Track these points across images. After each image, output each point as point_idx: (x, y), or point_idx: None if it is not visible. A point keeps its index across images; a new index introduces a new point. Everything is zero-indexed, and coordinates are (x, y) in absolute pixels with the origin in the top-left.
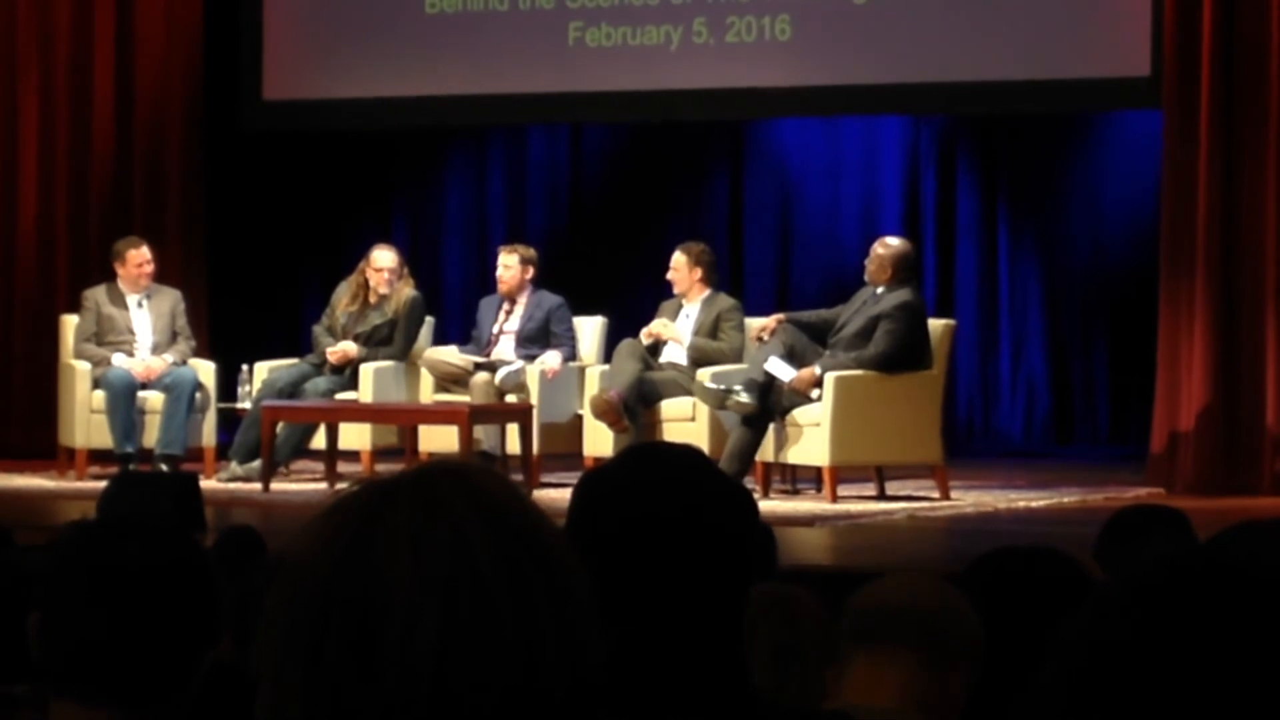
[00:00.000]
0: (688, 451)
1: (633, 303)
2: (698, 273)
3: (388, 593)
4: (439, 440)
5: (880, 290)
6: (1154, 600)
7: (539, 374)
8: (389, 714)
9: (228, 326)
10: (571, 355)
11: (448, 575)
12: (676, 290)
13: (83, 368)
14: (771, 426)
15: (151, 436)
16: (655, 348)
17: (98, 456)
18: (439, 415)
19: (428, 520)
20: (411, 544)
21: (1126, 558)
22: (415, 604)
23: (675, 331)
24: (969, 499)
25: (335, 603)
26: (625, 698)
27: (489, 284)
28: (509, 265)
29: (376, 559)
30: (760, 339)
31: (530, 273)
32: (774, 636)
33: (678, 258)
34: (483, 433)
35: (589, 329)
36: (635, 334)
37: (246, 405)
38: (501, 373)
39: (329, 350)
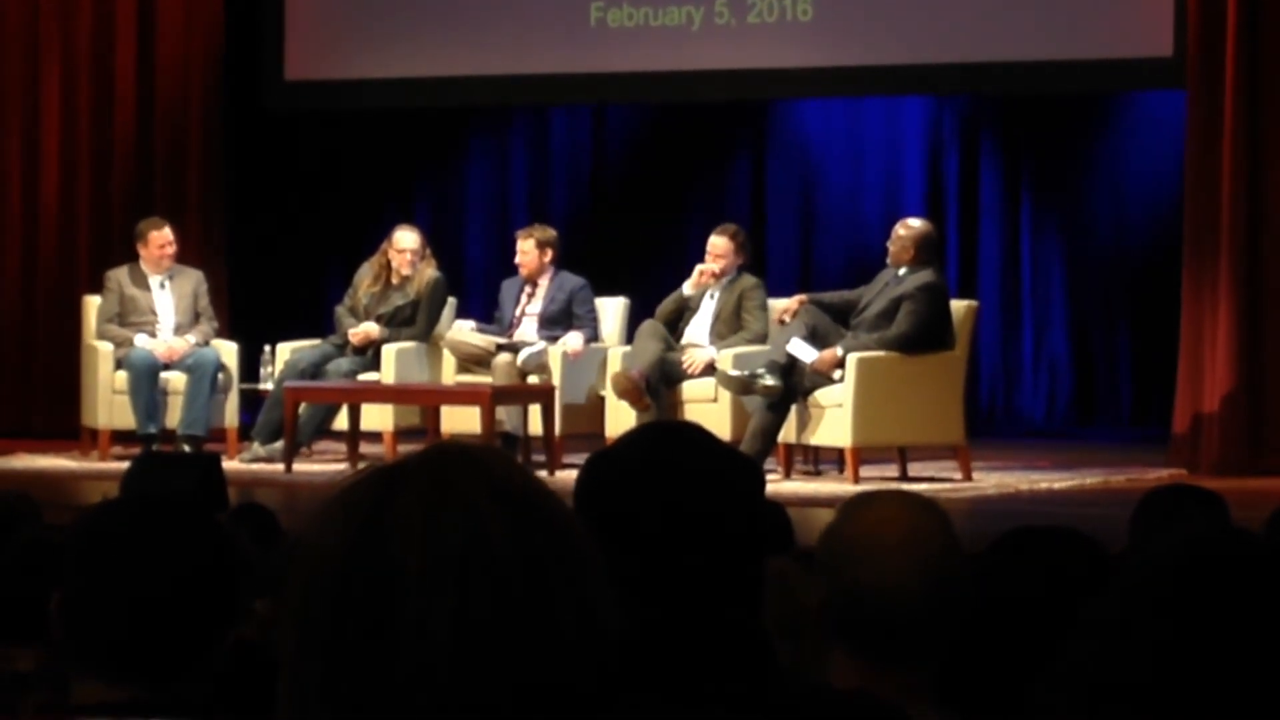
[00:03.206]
0: (691, 429)
1: (655, 284)
2: (743, 257)
3: (402, 575)
4: (461, 421)
5: (902, 271)
6: (1177, 580)
7: (561, 355)
8: (408, 695)
9: (250, 307)
10: (594, 336)
11: (461, 556)
12: (716, 273)
13: (105, 348)
14: (794, 408)
15: (174, 417)
16: (676, 327)
17: (120, 437)
18: (461, 396)
19: (438, 502)
20: (423, 526)
21: (1158, 537)
22: (430, 585)
23: (702, 356)
24: (991, 480)
25: (350, 587)
26: (644, 677)
27: (511, 265)
28: (526, 250)
29: (390, 542)
30: (782, 320)
31: (549, 254)
32: (770, 612)
33: (723, 244)
34: (505, 414)
35: (611, 310)
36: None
37: (269, 386)
38: (523, 354)
39: (351, 331)
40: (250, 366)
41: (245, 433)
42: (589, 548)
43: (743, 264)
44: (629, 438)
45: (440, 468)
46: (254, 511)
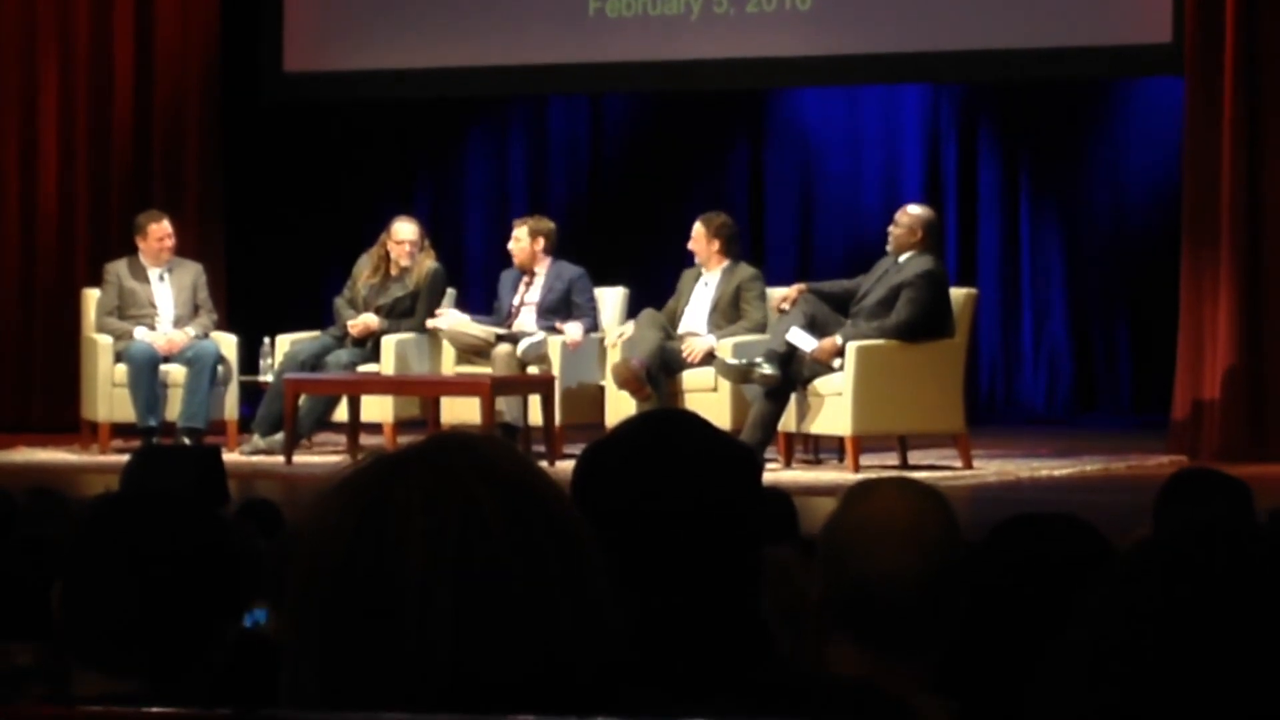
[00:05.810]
0: (687, 417)
1: (654, 273)
2: (716, 244)
3: (403, 566)
4: (461, 412)
5: (902, 259)
6: (1179, 568)
7: (561, 345)
8: (408, 681)
9: (249, 299)
10: (593, 326)
11: (460, 546)
12: (697, 260)
13: (105, 341)
14: (793, 397)
15: (174, 410)
16: (674, 317)
17: (120, 430)
18: (461, 387)
19: (438, 491)
20: (423, 516)
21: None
22: (430, 573)
23: (701, 345)
24: (991, 468)
25: (351, 575)
26: (643, 664)
27: (510, 256)
28: (518, 238)
29: (390, 533)
30: (781, 309)
31: (541, 243)
32: (771, 601)
33: (697, 228)
34: (505, 404)
35: (610, 299)
36: (657, 305)
37: (268, 378)
38: (523, 344)
39: (350, 323)
40: (250, 359)
41: (245, 425)
42: (587, 536)
43: (722, 251)
44: (626, 426)
45: (440, 457)
46: (258, 506)
